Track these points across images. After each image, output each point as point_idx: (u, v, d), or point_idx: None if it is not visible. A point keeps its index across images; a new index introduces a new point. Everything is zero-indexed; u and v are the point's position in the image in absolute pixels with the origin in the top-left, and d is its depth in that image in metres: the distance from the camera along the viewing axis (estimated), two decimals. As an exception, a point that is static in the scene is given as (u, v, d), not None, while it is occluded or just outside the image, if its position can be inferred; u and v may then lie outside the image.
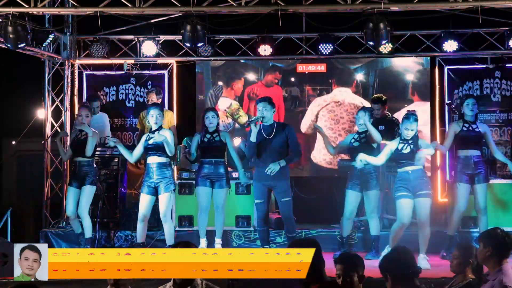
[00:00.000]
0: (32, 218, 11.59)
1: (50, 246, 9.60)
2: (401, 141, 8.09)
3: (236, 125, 11.26)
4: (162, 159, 8.19)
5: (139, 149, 8.34)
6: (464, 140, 8.49)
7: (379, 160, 8.22)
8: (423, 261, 7.81)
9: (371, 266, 8.05)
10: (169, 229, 8.27)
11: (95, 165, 8.99)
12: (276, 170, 7.99)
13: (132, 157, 8.41)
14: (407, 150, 8.03)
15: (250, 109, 11.23)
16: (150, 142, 8.19)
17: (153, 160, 8.20)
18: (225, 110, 11.24)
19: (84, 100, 10.76)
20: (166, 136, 8.14)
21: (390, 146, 8.16)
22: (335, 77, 11.24)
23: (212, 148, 8.53)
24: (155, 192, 8.21)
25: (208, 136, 8.54)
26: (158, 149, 8.18)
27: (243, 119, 11.14)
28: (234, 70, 11.39)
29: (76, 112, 9.30)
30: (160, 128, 8.26)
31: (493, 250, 4.81)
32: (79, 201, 8.76)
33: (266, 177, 8.05)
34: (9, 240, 9.24)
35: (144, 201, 8.23)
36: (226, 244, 9.26)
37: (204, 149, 8.55)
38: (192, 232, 9.28)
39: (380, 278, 7.12)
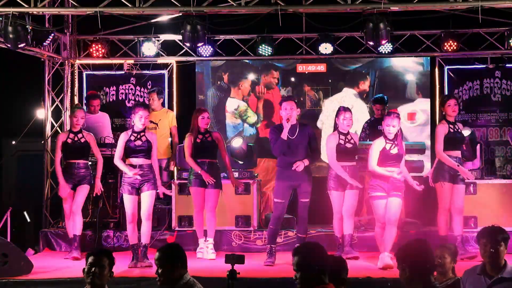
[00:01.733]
0: (32, 218, 11.57)
1: (50, 246, 9.66)
2: (387, 141, 8.00)
3: (245, 125, 11.27)
4: (148, 161, 8.18)
5: (121, 152, 8.21)
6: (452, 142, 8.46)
7: (372, 165, 8.02)
8: (386, 258, 7.78)
9: (371, 266, 8.10)
10: (148, 228, 8.23)
11: (89, 166, 9.03)
12: (302, 168, 8.02)
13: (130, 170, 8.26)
14: (394, 151, 7.98)
15: (259, 108, 11.26)
16: (138, 144, 8.15)
17: (139, 162, 8.16)
18: (234, 111, 11.27)
19: (84, 98, 10.72)
20: (154, 142, 8.17)
21: (377, 147, 8.02)
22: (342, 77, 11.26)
23: (205, 149, 8.54)
24: (137, 192, 8.16)
25: (201, 137, 8.54)
26: (145, 151, 8.16)
27: (252, 119, 11.19)
28: (241, 70, 11.37)
29: (69, 113, 9.27)
30: (144, 130, 8.22)
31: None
32: (75, 198, 8.84)
33: (292, 177, 8.06)
34: (9, 240, 9.24)
35: (128, 201, 8.16)
36: (226, 244, 9.27)
37: (198, 150, 8.55)
38: (192, 232, 9.28)
39: (380, 278, 7.17)
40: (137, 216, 8.24)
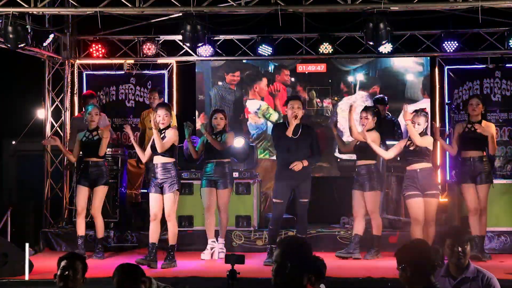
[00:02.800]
0: (32, 218, 11.57)
1: (50, 246, 9.66)
2: (409, 139, 8.16)
3: (269, 123, 11.29)
4: (166, 159, 8.16)
5: (148, 150, 8.29)
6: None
7: (388, 154, 8.32)
8: None
9: (371, 266, 8.10)
10: (172, 229, 8.24)
11: (107, 165, 8.97)
12: (300, 168, 8.01)
13: (144, 157, 8.37)
14: (412, 146, 8.07)
15: (277, 106, 11.31)
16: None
17: (157, 160, 8.18)
18: (256, 111, 11.29)
19: (82, 97, 10.69)
20: (167, 137, 8.11)
21: (401, 143, 8.28)
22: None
23: (213, 149, 8.53)
24: (161, 191, 8.17)
25: (213, 137, 8.55)
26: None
27: (274, 116, 11.25)
28: (255, 72, 11.37)
29: (85, 111, 9.23)
30: (166, 128, 8.20)
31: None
32: (93, 201, 8.74)
33: (291, 177, 8.06)
34: (9, 240, 9.24)
35: (152, 200, 8.20)
36: (226, 244, 9.27)
37: (208, 150, 8.56)
38: (192, 232, 9.29)
39: (380, 278, 7.17)
40: (159, 216, 8.18)
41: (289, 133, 8.02)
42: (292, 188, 8.17)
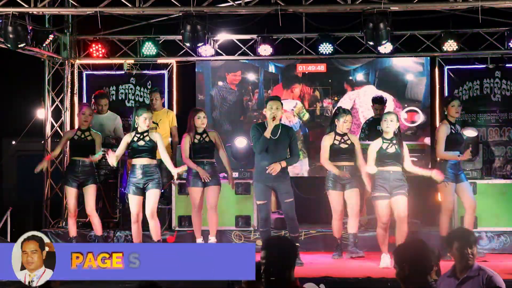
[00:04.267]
0: (32, 218, 11.58)
1: (50, 246, 9.65)
2: (384, 141, 8.04)
3: (301, 123, 11.31)
4: (152, 161, 8.22)
5: (121, 151, 8.29)
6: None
7: (372, 168, 8.04)
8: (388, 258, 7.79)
9: (371, 266, 8.10)
10: (156, 224, 8.28)
11: (94, 165, 8.99)
12: (277, 171, 7.99)
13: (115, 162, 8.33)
14: (392, 149, 8.00)
15: (305, 105, 11.32)
16: (141, 144, 8.18)
17: (142, 161, 8.20)
18: (292, 109, 11.30)
19: (93, 97, 10.71)
20: (158, 142, 8.22)
21: (373, 147, 8.07)
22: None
23: (203, 149, 8.56)
24: (142, 192, 8.20)
25: (198, 137, 8.55)
26: (148, 151, 8.20)
27: (306, 116, 11.26)
28: (295, 74, 11.34)
29: (77, 111, 9.26)
30: (148, 131, 8.24)
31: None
32: (86, 201, 8.77)
33: (269, 179, 8.04)
34: (9, 240, 9.24)
35: (133, 201, 8.23)
36: (226, 244, 9.28)
37: (195, 150, 8.56)
38: (192, 232, 9.28)
39: (380, 278, 7.17)
40: (141, 216, 8.27)
41: (267, 134, 8.00)
42: (271, 189, 8.16)
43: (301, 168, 11.14)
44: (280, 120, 8.15)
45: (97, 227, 8.83)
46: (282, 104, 8.17)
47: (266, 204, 8.15)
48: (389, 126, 7.96)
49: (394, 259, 4.22)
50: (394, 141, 7.98)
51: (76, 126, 9.24)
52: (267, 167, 7.98)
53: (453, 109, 8.40)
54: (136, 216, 8.25)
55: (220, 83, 11.45)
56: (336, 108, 9.06)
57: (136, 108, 8.41)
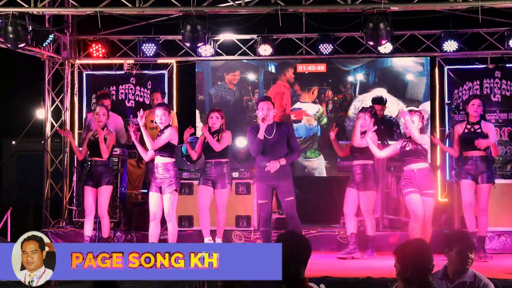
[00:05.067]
0: (32, 218, 11.58)
1: (50, 246, 9.65)
2: (405, 139, 8.25)
3: (319, 127, 11.34)
4: (165, 159, 8.20)
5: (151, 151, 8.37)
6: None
7: (380, 153, 8.36)
8: None
9: (371, 266, 8.10)
10: (171, 229, 8.28)
11: (110, 165, 8.98)
12: (276, 168, 8.00)
13: (146, 156, 8.46)
14: (409, 147, 8.10)
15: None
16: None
17: (158, 160, 8.25)
18: (315, 114, 11.30)
19: (95, 97, 10.68)
20: (162, 136, 8.20)
21: (396, 144, 8.36)
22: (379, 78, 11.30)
23: (212, 148, 8.53)
24: (160, 190, 8.22)
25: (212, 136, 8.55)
26: (163, 148, 8.20)
27: (324, 120, 11.29)
28: (313, 77, 11.36)
29: (93, 110, 9.23)
30: (166, 127, 8.24)
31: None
32: (98, 202, 8.74)
33: (269, 177, 8.04)
34: (9, 240, 9.24)
35: (151, 200, 8.27)
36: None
37: (205, 149, 8.57)
38: (192, 232, 9.29)
39: (380, 278, 7.17)
40: (159, 216, 8.26)
41: (261, 135, 8.02)
42: (272, 188, 8.16)
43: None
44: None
45: (105, 229, 8.79)
46: (273, 104, 8.18)
47: (267, 203, 8.15)
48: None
49: (396, 258, 4.21)
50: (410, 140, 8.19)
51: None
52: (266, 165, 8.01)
53: (472, 107, 8.46)
54: (154, 215, 8.25)
55: (219, 82, 11.45)
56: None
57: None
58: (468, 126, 8.44)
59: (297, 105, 11.34)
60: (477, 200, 8.46)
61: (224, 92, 11.48)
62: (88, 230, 8.78)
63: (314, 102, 11.32)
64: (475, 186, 8.42)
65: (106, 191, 8.75)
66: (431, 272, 4.23)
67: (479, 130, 8.41)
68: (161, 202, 8.20)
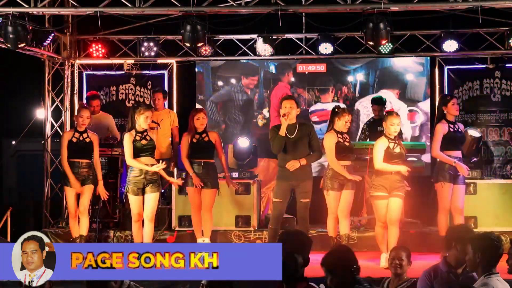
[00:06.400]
0: (32, 218, 11.58)
1: (50, 246, 9.65)
2: (390, 140, 8.01)
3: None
4: (153, 161, 8.25)
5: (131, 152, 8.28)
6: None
7: (379, 165, 8.01)
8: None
9: (371, 266, 8.10)
10: (150, 229, 8.30)
11: (92, 166, 8.98)
12: (296, 167, 7.98)
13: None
14: (397, 149, 7.99)
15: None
16: (144, 143, 8.19)
17: (146, 161, 8.22)
18: None
19: (84, 98, 10.71)
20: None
21: (381, 146, 8.01)
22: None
23: (202, 149, 8.53)
24: (142, 192, 8.22)
25: (197, 136, 8.55)
26: (151, 150, 8.23)
27: None
28: (328, 77, 11.33)
29: (76, 113, 9.28)
30: (146, 130, 8.26)
31: (483, 256, 4.61)
32: (81, 200, 8.73)
33: (290, 177, 8.04)
34: (9, 240, 9.25)
35: (134, 202, 8.25)
36: (226, 244, 9.28)
37: (193, 150, 8.55)
38: (192, 232, 9.28)
39: (380, 278, 7.17)
40: (142, 216, 8.28)
41: (282, 132, 8.01)
42: (292, 188, 8.15)
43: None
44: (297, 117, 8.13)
45: (83, 227, 8.74)
46: (297, 103, 8.18)
47: (281, 203, 8.15)
48: (397, 130, 7.99)
49: (324, 268, 4.30)
50: (396, 141, 8.00)
51: (68, 127, 9.18)
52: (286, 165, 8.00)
53: (454, 107, 8.38)
54: (137, 216, 8.26)
55: (233, 82, 11.43)
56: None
57: (135, 106, 8.39)
58: (451, 126, 8.40)
59: (318, 106, 11.32)
60: (454, 200, 8.37)
61: (235, 92, 11.44)
62: (77, 230, 8.80)
63: (333, 100, 11.29)
64: (452, 187, 8.34)
65: (90, 190, 8.74)
66: (359, 272, 4.34)
67: (459, 130, 8.42)
68: (141, 202, 8.25)
